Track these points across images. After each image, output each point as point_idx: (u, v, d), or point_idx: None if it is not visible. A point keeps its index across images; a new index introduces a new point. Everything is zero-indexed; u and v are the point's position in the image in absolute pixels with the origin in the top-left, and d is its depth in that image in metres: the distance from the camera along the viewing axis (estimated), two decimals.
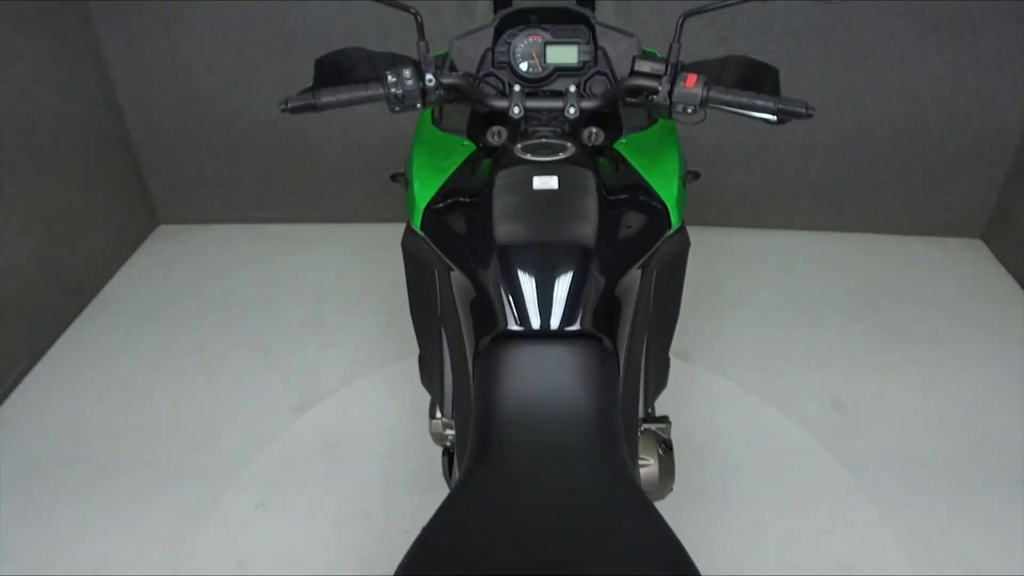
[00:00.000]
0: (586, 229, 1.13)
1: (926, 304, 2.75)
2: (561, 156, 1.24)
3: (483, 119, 1.44)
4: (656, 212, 1.24)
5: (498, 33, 1.50)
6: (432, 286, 1.42)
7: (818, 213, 3.11)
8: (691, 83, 1.24)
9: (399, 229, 1.43)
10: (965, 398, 2.32)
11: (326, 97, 1.24)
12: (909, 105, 2.75)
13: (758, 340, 2.55)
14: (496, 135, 1.41)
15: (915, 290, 2.83)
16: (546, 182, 1.18)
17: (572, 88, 1.34)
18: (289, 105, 1.24)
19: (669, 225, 1.26)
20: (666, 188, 1.27)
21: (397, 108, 1.29)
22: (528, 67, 1.50)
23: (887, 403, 2.31)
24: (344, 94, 1.25)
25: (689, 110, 1.25)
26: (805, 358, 2.49)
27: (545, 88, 1.51)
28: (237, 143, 3.05)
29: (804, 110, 1.20)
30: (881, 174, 2.95)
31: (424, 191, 1.29)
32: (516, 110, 1.33)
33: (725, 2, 1.24)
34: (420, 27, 1.27)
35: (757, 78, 1.34)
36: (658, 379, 1.46)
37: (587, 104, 1.34)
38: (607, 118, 1.41)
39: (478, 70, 1.50)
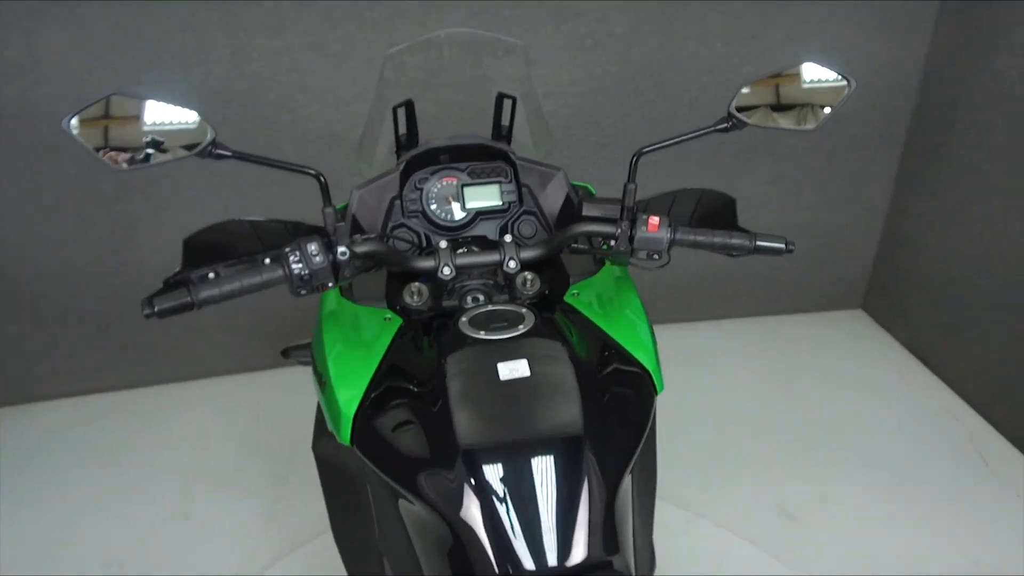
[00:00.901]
0: (573, 426, 0.89)
1: (832, 381, 2.75)
2: (521, 329, 1.00)
3: (397, 276, 1.18)
4: (641, 381, 1.02)
5: (404, 178, 1.26)
6: (368, 509, 1.10)
7: (714, 304, 3.07)
8: (654, 227, 1.06)
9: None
10: (898, 474, 2.26)
11: (207, 291, 0.94)
12: (786, 192, 2.80)
13: (690, 452, 2.39)
14: (415, 295, 1.15)
15: (817, 367, 2.84)
16: (514, 369, 0.93)
17: (508, 238, 1.11)
18: (156, 308, 0.91)
19: (655, 391, 1.04)
20: (639, 345, 1.06)
21: (303, 291, 1.00)
22: (445, 214, 1.27)
23: (830, 500, 2.20)
24: (231, 283, 0.95)
25: (655, 256, 1.07)
26: (742, 465, 2.35)
27: (467, 235, 1.28)
28: (64, 304, 2.56)
29: (784, 246, 1.06)
30: (768, 259, 2.97)
31: (350, 395, 0.99)
32: (447, 270, 1.09)
33: (679, 137, 1.08)
34: (325, 190, 1.01)
35: (714, 209, 1.19)
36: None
37: (528, 254, 1.12)
38: (545, 262, 1.20)
39: (385, 223, 1.25)
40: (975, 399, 2.53)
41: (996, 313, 2.41)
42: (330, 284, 1.00)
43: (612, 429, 0.92)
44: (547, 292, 1.17)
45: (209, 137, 0.97)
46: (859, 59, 2.56)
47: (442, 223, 1.26)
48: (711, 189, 1.18)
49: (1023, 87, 2.23)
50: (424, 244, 1.27)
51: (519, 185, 1.29)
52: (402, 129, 1.30)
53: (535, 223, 1.29)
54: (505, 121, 1.33)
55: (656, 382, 1.04)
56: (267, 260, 0.99)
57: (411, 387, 0.97)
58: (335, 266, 1.01)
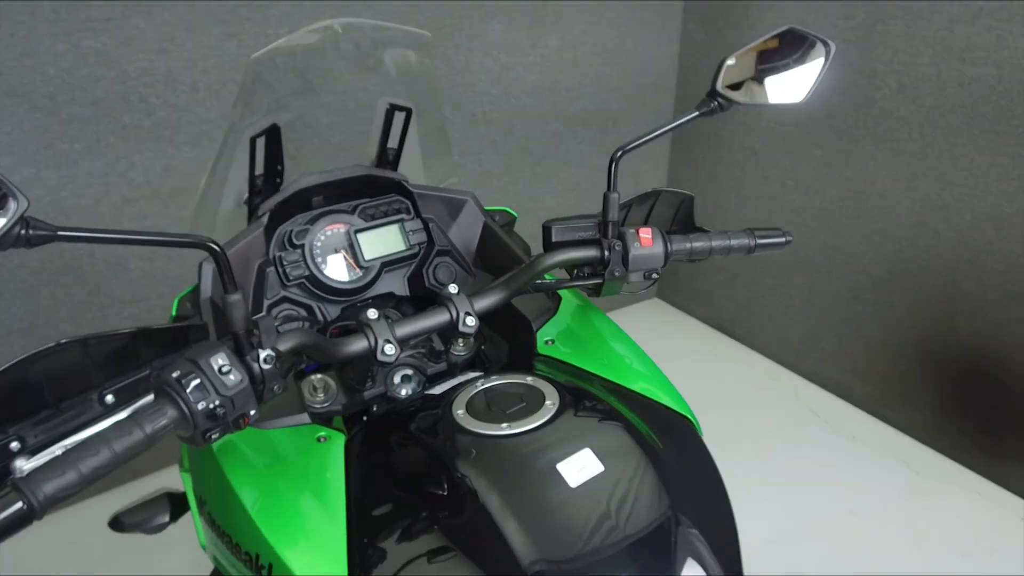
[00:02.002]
0: (666, 515, 0.67)
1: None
2: (552, 407, 0.76)
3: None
4: (687, 428, 0.83)
5: (270, 234, 0.93)
6: None
7: None
8: (647, 241, 0.88)
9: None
10: (744, 440, 2.34)
11: (51, 485, 0.54)
12: (580, 198, 2.80)
13: None
14: (318, 391, 0.85)
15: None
16: (583, 466, 0.69)
17: (453, 288, 0.85)
18: None
19: (700, 433, 0.87)
20: (655, 384, 0.87)
21: (215, 435, 0.65)
22: (346, 273, 0.95)
23: None
24: (88, 461, 0.57)
25: (653, 275, 0.89)
26: None
27: (367, 296, 0.98)
28: None
29: (783, 239, 0.94)
30: None
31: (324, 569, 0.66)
32: (389, 349, 0.79)
33: (660, 129, 0.91)
34: (222, 264, 0.66)
35: (668, 211, 1.04)
36: None
37: (486, 304, 0.86)
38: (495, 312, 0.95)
39: (257, 300, 0.90)
40: (785, 359, 2.74)
41: (790, 278, 2.62)
42: (252, 413, 0.65)
43: (702, 500, 0.71)
44: (511, 345, 0.92)
45: (15, 211, 0.57)
46: (627, 60, 2.65)
47: (339, 286, 0.95)
48: (666, 188, 1.02)
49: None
50: (321, 319, 0.94)
51: (423, 221, 1.02)
52: (259, 168, 0.95)
53: (452, 265, 1.03)
54: (394, 143, 1.05)
55: (694, 423, 0.85)
56: (137, 404, 0.62)
57: (417, 527, 0.67)
58: (258, 381, 0.66)
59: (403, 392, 0.94)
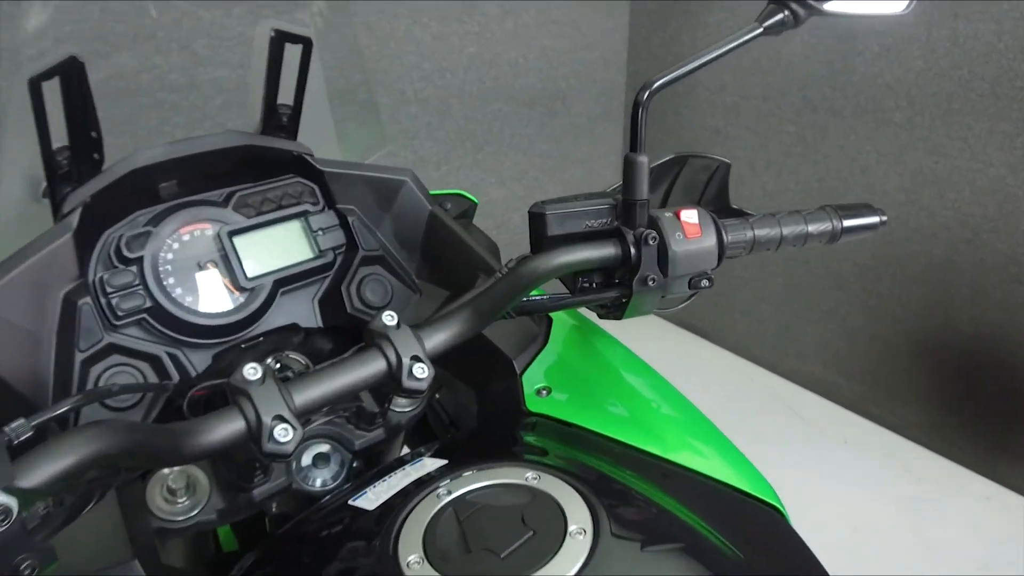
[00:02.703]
0: None
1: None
2: (579, 536, 0.44)
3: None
4: (786, 534, 0.54)
5: (85, 243, 0.58)
6: None
7: None
8: (694, 229, 0.57)
9: None
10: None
11: None
12: (528, 188, 2.51)
13: None
14: (174, 494, 0.52)
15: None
16: None
17: (390, 318, 0.52)
18: None
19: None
20: (722, 450, 0.58)
21: None
22: (218, 299, 0.61)
23: None
24: None
25: (704, 284, 0.58)
26: None
27: (261, 332, 0.65)
28: None
29: (876, 219, 0.65)
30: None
31: None
32: (283, 434, 0.47)
33: (701, 57, 0.60)
34: None
35: (705, 183, 0.74)
36: None
37: (442, 339, 0.54)
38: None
39: (59, 354, 0.56)
40: (761, 357, 2.50)
41: (763, 267, 2.38)
42: None
43: None
44: (481, 395, 0.60)
45: None
46: (575, 32, 2.36)
47: (206, 321, 0.61)
48: (694, 153, 0.72)
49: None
50: (177, 377, 0.59)
51: (339, 214, 0.69)
52: (60, 139, 0.59)
53: (386, 278, 0.70)
54: (286, 97, 0.69)
55: (783, 513, 0.55)
56: None
57: None
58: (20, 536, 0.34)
59: (316, 482, 0.61)
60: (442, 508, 0.47)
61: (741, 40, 0.61)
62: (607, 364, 0.69)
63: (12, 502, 0.35)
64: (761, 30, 0.63)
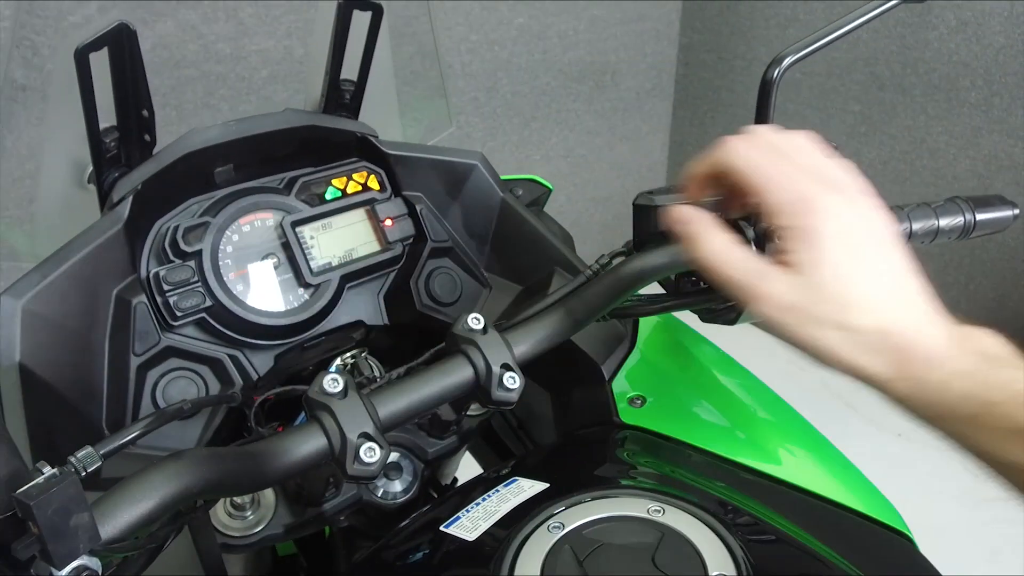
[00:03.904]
0: None
1: None
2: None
3: None
4: (919, 563, 0.48)
5: (136, 234, 0.54)
6: None
7: None
8: None
9: None
10: None
11: None
12: (575, 166, 2.44)
13: None
14: (237, 510, 0.49)
15: None
16: None
17: (476, 321, 0.47)
18: None
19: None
20: (844, 473, 0.52)
21: None
22: (280, 296, 0.57)
23: None
24: None
25: None
26: None
27: (326, 330, 0.60)
28: None
29: (1011, 212, 0.59)
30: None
31: None
32: (370, 455, 0.42)
33: (840, 29, 0.54)
34: None
35: None
36: None
37: (532, 344, 0.49)
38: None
39: (112, 360, 0.51)
40: None
41: None
42: None
43: None
44: (558, 401, 0.55)
45: None
46: (627, 3, 2.26)
47: (269, 321, 0.56)
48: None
49: (792, 11, 2.09)
50: (240, 384, 0.55)
51: (407, 203, 0.63)
52: (107, 118, 0.53)
53: (456, 272, 0.64)
54: (352, 72, 0.64)
55: (912, 540, 0.51)
56: None
57: None
58: None
59: (388, 492, 0.56)
60: (557, 544, 0.42)
61: (880, 9, 0.54)
62: (702, 368, 0.63)
63: (95, 565, 0.31)
64: None
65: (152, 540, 0.38)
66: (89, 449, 0.34)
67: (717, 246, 0.42)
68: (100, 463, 0.34)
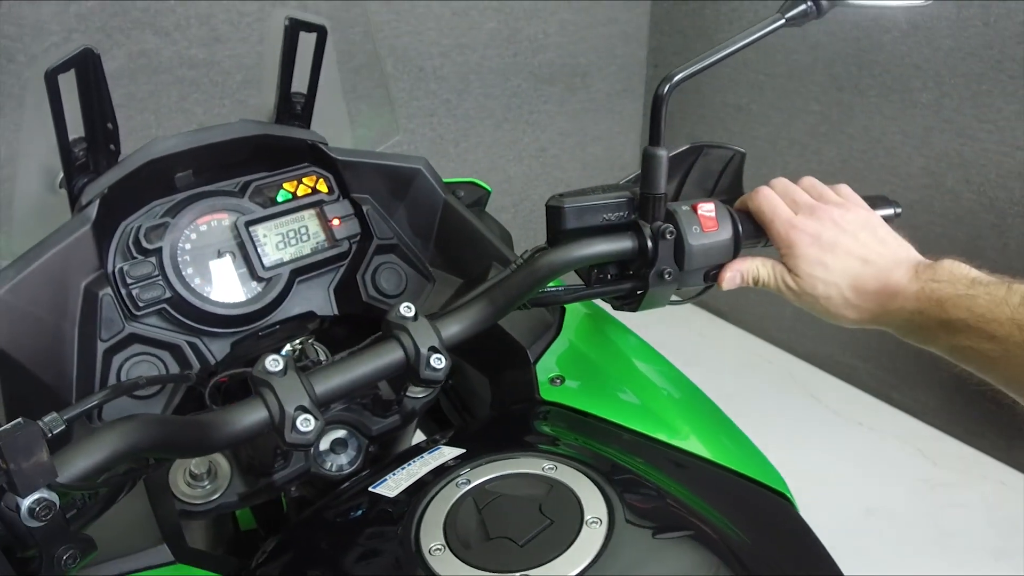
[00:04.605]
0: None
1: None
2: (595, 524, 0.46)
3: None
4: (796, 523, 0.55)
5: (106, 234, 0.60)
6: None
7: None
8: (711, 222, 0.58)
9: None
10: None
11: None
12: (547, 166, 2.49)
13: None
14: (198, 478, 0.54)
15: None
16: None
17: (407, 309, 0.54)
18: None
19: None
20: (732, 439, 0.59)
21: None
22: (236, 288, 0.63)
23: None
24: None
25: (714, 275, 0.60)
26: None
27: (278, 320, 0.66)
28: None
29: (891, 210, 0.67)
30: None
31: None
32: (305, 423, 0.49)
33: (724, 49, 0.60)
34: None
35: (719, 172, 0.74)
36: None
37: (458, 329, 0.55)
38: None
39: (82, 345, 0.57)
40: (778, 338, 2.49)
41: None
42: None
43: None
44: (494, 382, 0.61)
45: None
46: (595, 6, 2.32)
47: (225, 311, 0.62)
48: (709, 143, 0.72)
49: (755, 13, 2.15)
50: (198, 366, 0.61)
51: (353, 204, 0.69)
52: (76, 130, 0.59)
53: (400, 267, 0.70)
54: (300, 85, 0.70)
55: (792, 502, 0.57)
56: None
57: None
58: (17, 558, 0.36)
59: (334, 466, 0.62)
60: (462, 497, 0.49)
61: (763, 32, 0.61)
62: (619, 353, 0.70)
63: (53, 497, 0.37)
64: (783, 21, 0.62)
65: (106, 486, 0.44)
66: (55, 415, 0.40)
67: (774, 200, 0.63)
68: (64, 426, 0.40)
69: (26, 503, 0.37)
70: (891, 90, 1.94)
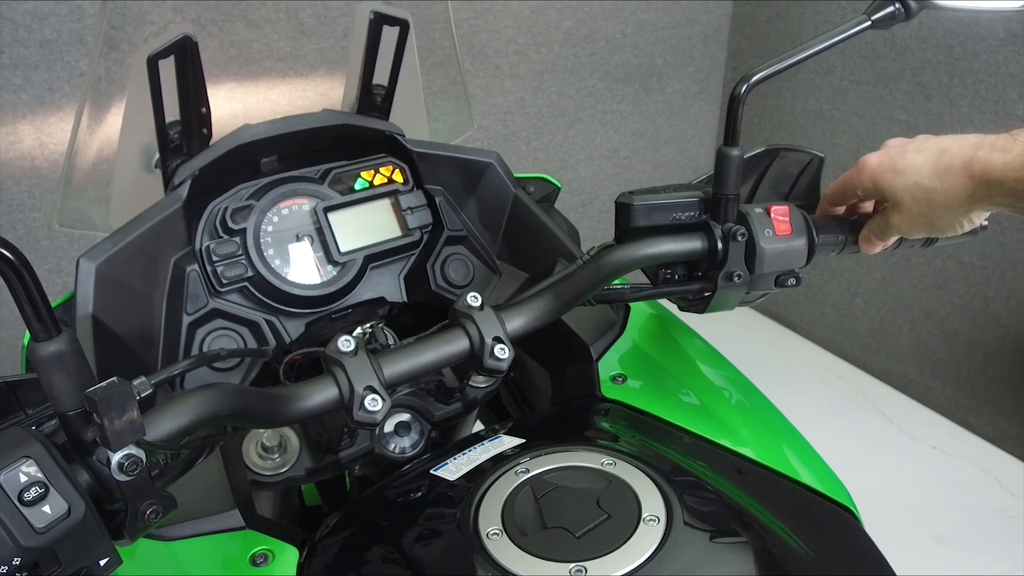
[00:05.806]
0: None
1: None
2: (652, 522, 0.46)
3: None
4: (861, 538, 0.54)
5: (192, 214, 0.63)
6: None
7: None
8: (784, 227, 0.57)
9: None
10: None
11: None
12: (618, 167, 2.48)
13: None
14: (271, 451, 0.57)
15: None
16: None
17: (474, 298, 0.55)
18: None
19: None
20: (799, 450, 0.58)
21: None
22: (313, 271, 0.65)
23: None
24: None
25: (791, 282, 0.59)
26: None
27: (351, 304, 0.68)
28: None
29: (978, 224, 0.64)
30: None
31: None
32: (372, 403, 0.50)
33: (807, 49, 0.59)
34: (17, 283, 0.36)
35: (796, 177, 0.73)
36: None
37: (523, 322, 0.56)
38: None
39: (174, 321, 0.61)
40: (851, 354, 2.41)
41: (858, 262, 2.28)
42: (103, 563, 0.38)
43: None
44: (555, 377, 0.62)
45: None
46: (674, 6, 2.30)
47: (301, 292, 0.64)
48: (787, 146, 0.71)
49: (841, 12, 2.08)
50: (273, 343, 0.64)
51: (426, 195, 0.71)
52: (172, 113, 0.63)
53: (468, 259, 0.72)
54: (381, 78, 0.73)
55: (857, 516, 0.56)
56: None
57: None
58: (104, 509, 0.41)
59: (397, 447, 0.64)
60: (520, 485, 0.50)
61: (847, 33, 0.59)
62: (684, 355, 0.69)
63: (141, 453, 0.40)
64: (869, 23, 0.61)
65: (188, 448, 0.47)
66: (143, 379, 0.43)
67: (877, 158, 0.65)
68: (151, 390, 0.43)
69: (116, 457, 0.40)
70: (984, 100, 1.86)
